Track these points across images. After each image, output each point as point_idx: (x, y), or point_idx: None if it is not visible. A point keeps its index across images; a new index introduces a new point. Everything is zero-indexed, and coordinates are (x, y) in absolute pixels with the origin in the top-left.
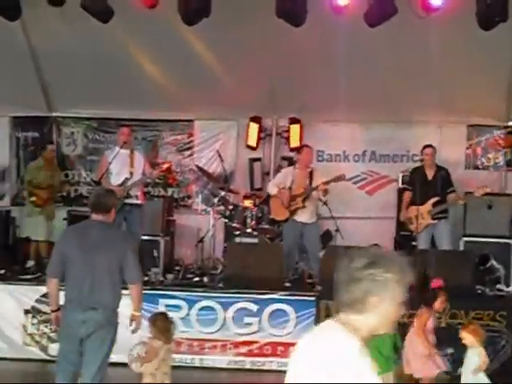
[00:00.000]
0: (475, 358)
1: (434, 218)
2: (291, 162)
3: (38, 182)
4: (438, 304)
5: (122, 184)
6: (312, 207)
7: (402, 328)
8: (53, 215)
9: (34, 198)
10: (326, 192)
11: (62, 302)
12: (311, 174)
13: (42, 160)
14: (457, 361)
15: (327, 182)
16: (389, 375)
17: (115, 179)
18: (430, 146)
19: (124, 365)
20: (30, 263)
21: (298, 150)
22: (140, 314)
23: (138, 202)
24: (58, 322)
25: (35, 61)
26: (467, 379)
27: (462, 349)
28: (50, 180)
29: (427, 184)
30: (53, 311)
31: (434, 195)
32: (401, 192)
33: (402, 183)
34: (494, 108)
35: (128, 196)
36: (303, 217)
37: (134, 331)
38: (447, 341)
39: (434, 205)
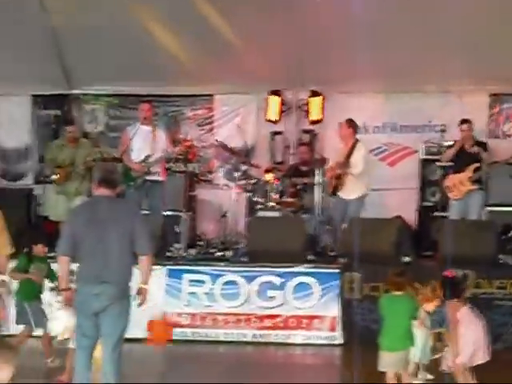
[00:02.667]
0: None
1: (473, 183)
2: (312, 135)
3: (60, 160)
4: None
5: (144, 161)
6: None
7: None
8: (75, 194)
9: (55, 177)
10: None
11: None
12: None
13: (64, 139)
14: None
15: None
16: (405, 352)
17: (136, 155)
18: (466, 121)
19: (138, 340)
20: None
21: None
22: (147, 288)
23: (160, 178)
24: (70, 301)
25: (55, 38)
26: None
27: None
28: (72, 158)
29: (466, 154)
30: (63, 290)
31: (473, 163)
32: (423, 162)
33: (425, 154)
34: None
35: (149, 172)
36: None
37: (139, 305)
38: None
39: (475, 170)
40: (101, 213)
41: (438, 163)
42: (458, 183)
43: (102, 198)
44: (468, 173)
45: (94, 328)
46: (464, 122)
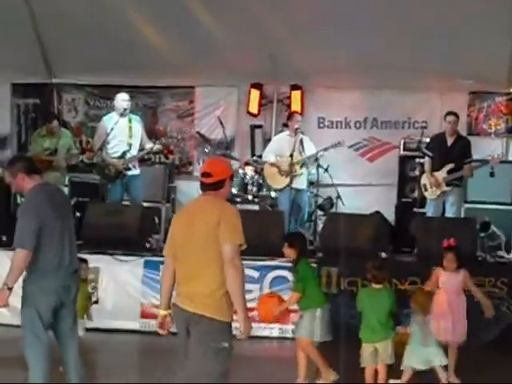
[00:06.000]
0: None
1: (448, 185)
2: None
3: (42, 150)
4: (445, 262)
5: (121, 156)
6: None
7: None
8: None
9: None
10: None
11: None
12: (302, 141)
13: (44, 130)
14: None
15: (325, 149)
16: (387, 343)
17: (114, 150)
18: (452, 113)
19: (128, 332)
20: None
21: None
22: None
23: (137, 171)
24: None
25: (35, 27)
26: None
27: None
28: (54, 148)
29: (446, 151)
30: (10, 288)
31: (450, 162)
32: (402, 159)
33: (404, 150)
34: (495, 74)
35: (128, 168)
36: (298, 183)
37: None
38: None
39: (449, 172)
40: (59, 202)
41: (417, 159)
42: (434, 183)
43: (47, 186)
44: (442, 173)
45: (48, 328)
46: (449, 113)
